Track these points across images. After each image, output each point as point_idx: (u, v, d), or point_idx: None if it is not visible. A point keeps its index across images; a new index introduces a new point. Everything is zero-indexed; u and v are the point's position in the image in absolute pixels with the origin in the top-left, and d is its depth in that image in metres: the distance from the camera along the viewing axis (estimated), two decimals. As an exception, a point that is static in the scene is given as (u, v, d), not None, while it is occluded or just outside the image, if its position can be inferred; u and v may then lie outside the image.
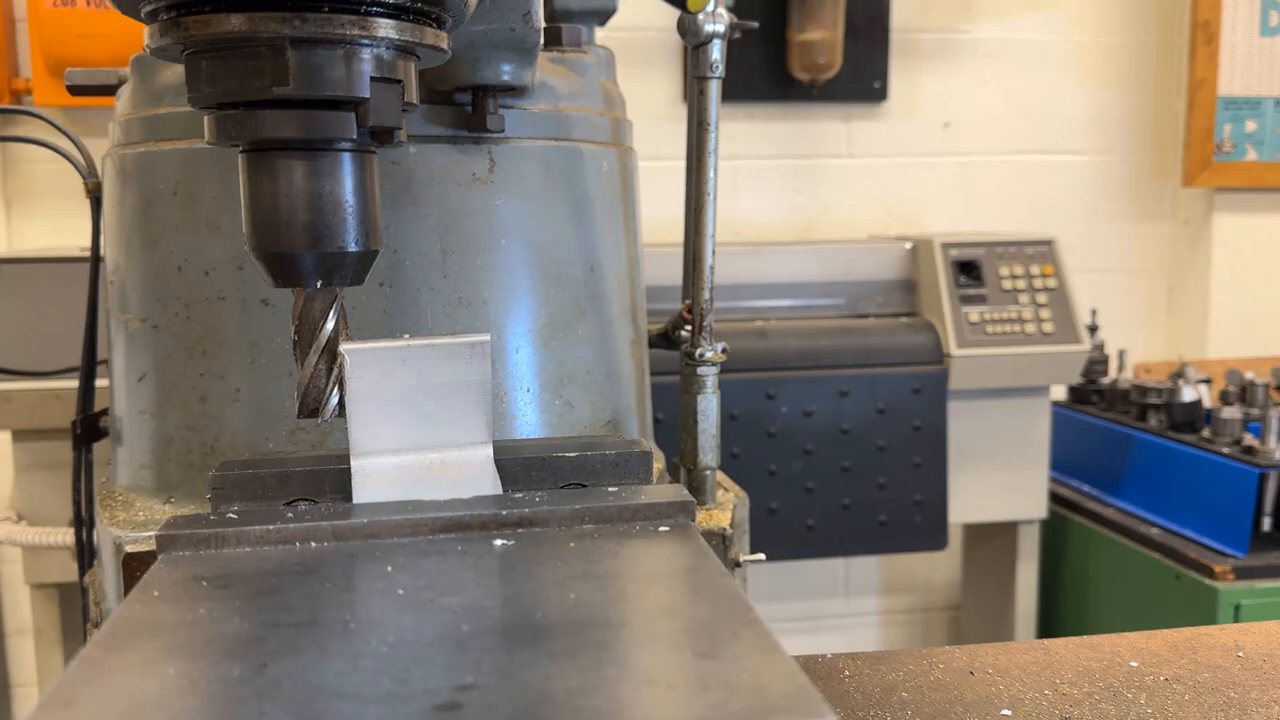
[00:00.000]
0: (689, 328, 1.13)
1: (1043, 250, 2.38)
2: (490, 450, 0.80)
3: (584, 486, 0.84)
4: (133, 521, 0.94)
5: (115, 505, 0.98)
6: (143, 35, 0.73)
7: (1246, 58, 2.90)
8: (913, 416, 2.24)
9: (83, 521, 1.27)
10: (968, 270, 2.33)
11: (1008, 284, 2.32)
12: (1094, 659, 1.02)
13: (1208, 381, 2.49)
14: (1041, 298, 2.32)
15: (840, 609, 3.03)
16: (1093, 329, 2.58)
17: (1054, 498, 2.56)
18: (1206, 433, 2.27)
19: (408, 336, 0.79)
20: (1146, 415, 2.45)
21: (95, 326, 1.26)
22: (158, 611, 0.62)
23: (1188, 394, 2.36)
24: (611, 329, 1.09)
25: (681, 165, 1.16)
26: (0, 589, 2.66)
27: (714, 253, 1.12)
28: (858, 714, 0.92)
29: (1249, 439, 2.18)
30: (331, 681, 0.52)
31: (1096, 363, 2.70)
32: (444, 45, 0.75)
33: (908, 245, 2.43)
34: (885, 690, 0.96)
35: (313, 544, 0.72)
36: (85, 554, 1.26)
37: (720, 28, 1.05)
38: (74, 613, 2.16)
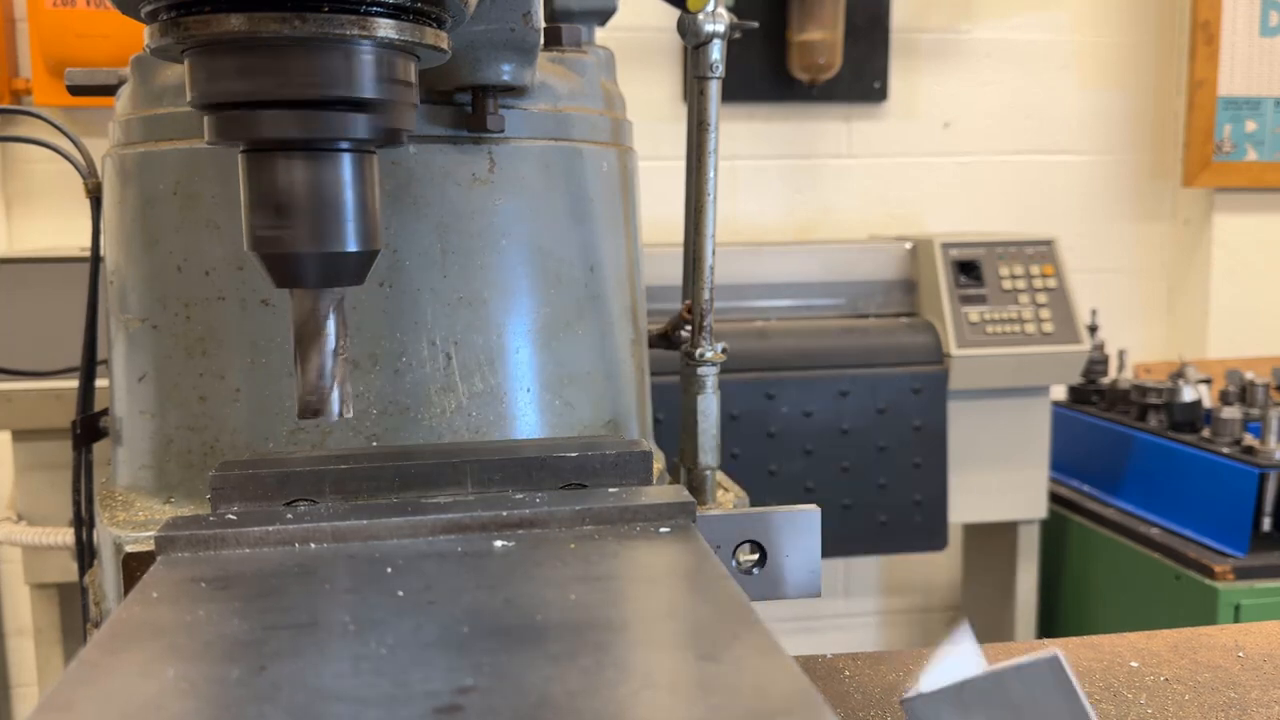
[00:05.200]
0: (689, 328, 1.13)
1: (1043, 250, 2.38)
2: None
3: (584, 487, 0.84)
4: (133, 521, 0.94)
5: (115, 505, 0.98)
6: (143, 35, 0.72)
7: (1246, 58, 2.90)
8: (913, 416, 2.24)
9: (83, 521, 1.26)
10: (968, 270, 2.33)
11: (1008, 284, 2.32)
12: (1094, 659, 1.02)
13: (1208, 381, 2.49)
14: (1041, 298, 2.32)
15: (840, 609, 3.03)
16: (1093, 329, 2.58)
17: (1054, 498, 2.56)
18: (1206, 433, 2.27)
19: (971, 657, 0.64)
20: (1146, 415, 2.45)
21: (95, 326, 1.26)
22: (157, 613, 0.62)
23: (1188, 394, 2.36)
24: (611, 329, 1.09)
25: (681, 165, 1.15)
26: (0, 589, 2.66)
27: (714, 253, 1.11)
28: (858, 714, 0.92)
29: (1249, 439, 2.18)
30: (331, 684, 0.52)
31: (1096, 363, 2.70)
32: (444, 45, 0.75)
33: (908, 245, 2.43)
34: (885, 690, 0.96)
35: (312, 545, 0.72)
36: (85, 554, 1.26)
37: (720, 28, 1.05)
38: (74, 613, 2.16)
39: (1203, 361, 2.90)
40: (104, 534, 0.95)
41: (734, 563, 0.86)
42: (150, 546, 0.75)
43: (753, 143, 2.83)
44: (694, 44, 1.06)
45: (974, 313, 2.28)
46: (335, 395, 0.77)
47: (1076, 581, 2.57)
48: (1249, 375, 2.36)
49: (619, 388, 1.09)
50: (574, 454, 0.84)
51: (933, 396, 2.25)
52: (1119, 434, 2.48)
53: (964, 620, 0.69)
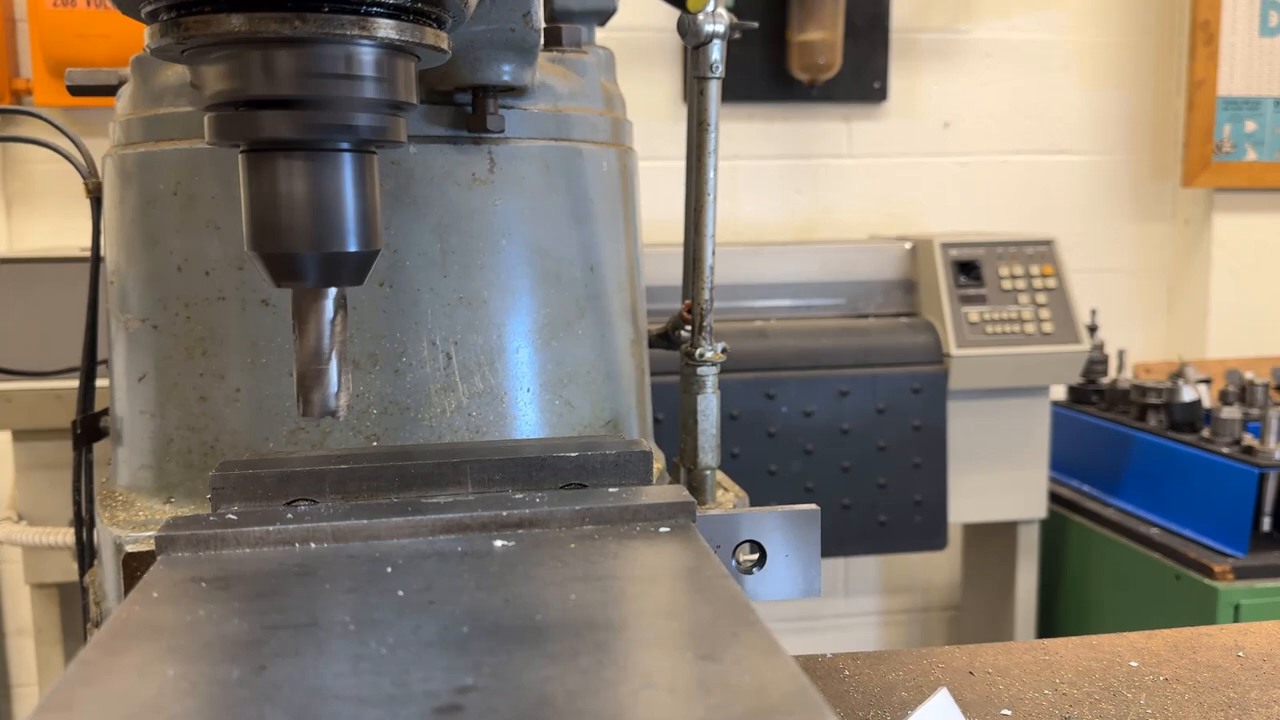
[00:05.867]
0: (689, 328, 1.13)
1: (1043, 250, 2.38)
2: None
3: (584, 487, 0.84)
4: (133, 521, 0.94)
5: (115, 505, 0.98)
6: (143, 35, 0.72)
7: (1246, 58, 2.90)
8: (913, 416, 2.24)
9: (83, 521, 1.27)
10: (967, 270, 2.33)
11: (1007, 284, 2.32)
12: (1094, 659, 1.02)
13: (1207, 381, 2.49)
14: (1041, 298, 2.32)
15: (840, 609, 3.03)
16: (1092, 329, 2.58)
17: (1054, 498, 2.56)
18: (1206, 433, 2.27)
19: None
20: (1146, 415, 2.45)
21: (95, 326, 1.26)
22: (157, 613, 0.62)
23: (1187, 394, 2.36)
24: (611, 329, 1.09)
25: (681, 165, 1.15)
26: (0, 589, 2.66)
27: (714, 253, 1.11)
28: (858, 714, 0.92)
29: (1249, 439, 2.18)
30: (331, 684, 0.52)
31: (1096, 363, 2.70)
32: (444, 45, 0.75)
33: (908, 245, 2.43)
34: (885, 690, 0.96)
35: (312, 545, 0.72)
36: (85, 554, 1.26)
37: (720, 28, 1.05)
38: (74, 613, 2.16)
39: (1202, 361, 2.90)
40: (104, 534, 0.95)
41: (734, 563, 0.86)
42: (150, 546, 0.75)
43: (753, 143, 2.83)
44: (694, 44, 1.06)
45: (974, 313, 2.28)
46: (337, 395, 0.77)
47: (1076, 581, 2.57)
48: (1249, 375, 2.36)
49: (619, 387, 1.09)
50: (574, 454, 0.84)
51: (932, 396, 2.25)
52: (1119, 434, 2.48)
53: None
